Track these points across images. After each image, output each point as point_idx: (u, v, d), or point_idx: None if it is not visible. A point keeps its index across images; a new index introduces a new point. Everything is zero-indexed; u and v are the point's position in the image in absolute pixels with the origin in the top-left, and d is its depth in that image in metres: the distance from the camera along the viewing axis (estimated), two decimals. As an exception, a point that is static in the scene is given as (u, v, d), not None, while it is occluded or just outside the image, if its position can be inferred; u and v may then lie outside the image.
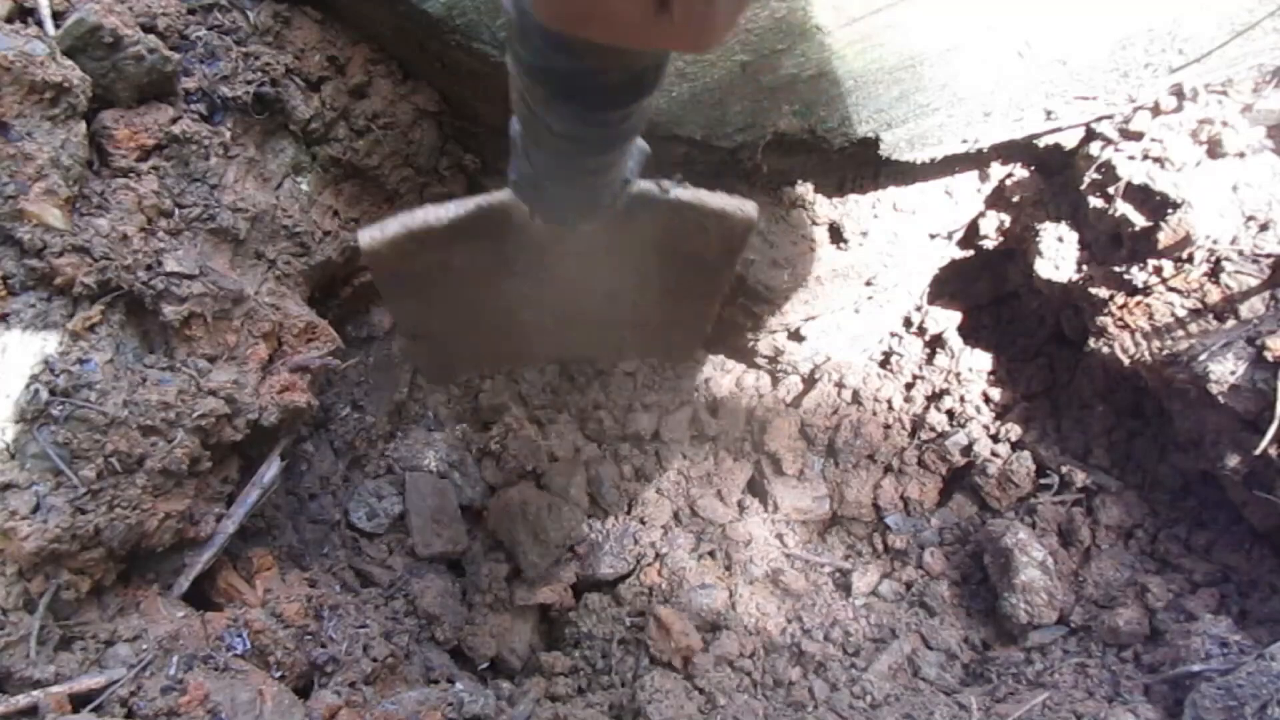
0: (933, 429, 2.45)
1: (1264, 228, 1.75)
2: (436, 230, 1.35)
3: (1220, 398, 1.76)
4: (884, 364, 2.62)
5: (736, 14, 0.72)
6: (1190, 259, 1.80)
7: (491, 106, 1.88)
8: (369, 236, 1.35)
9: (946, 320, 2.53)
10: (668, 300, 1.67)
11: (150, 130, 1.47)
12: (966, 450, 2.38)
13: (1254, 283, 1.79)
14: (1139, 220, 1.80)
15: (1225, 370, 1.75)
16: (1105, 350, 2.03)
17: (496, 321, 1.68)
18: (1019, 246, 2.19)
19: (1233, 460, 1.80)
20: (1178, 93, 1.82)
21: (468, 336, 1.71)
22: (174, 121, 1.50)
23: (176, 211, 1.49)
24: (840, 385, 2.55)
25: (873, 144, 1.78)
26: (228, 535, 1.56)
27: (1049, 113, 1.82)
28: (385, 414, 2.22)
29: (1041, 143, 1.93)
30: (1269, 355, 1.70)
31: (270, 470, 1.65)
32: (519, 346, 1.87)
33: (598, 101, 0.90)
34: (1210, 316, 1.86)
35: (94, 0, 1.43)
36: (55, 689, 1.23)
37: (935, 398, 2.50)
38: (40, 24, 1.42)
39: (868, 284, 2.29)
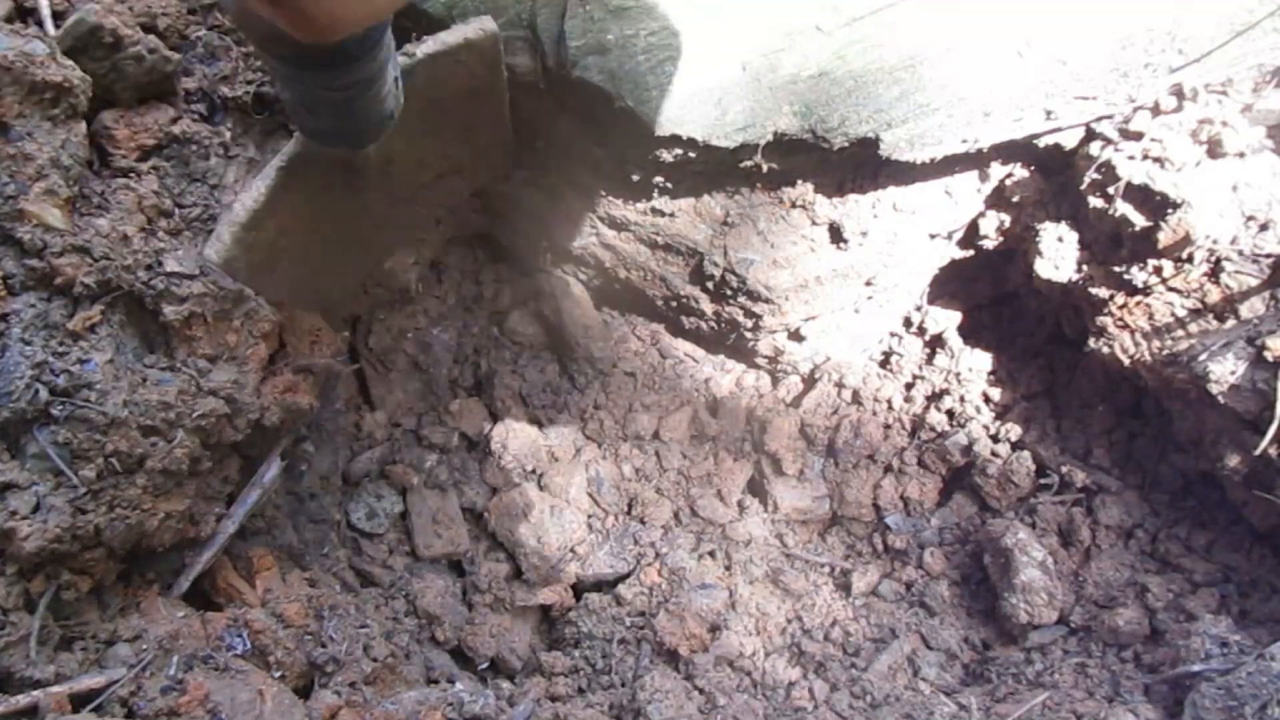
0: (933, 429, 2.45)
1: (1264, 228, 1.75)
2: (260, 210, 1.45)
3: (1220, 398, 1.76)
4: (884, 364, 2.62)
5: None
6: (1190, 259, 1.80)
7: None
8: (212, 250, 1.43)
9: (946, 320, 2.52)
10: (469, 135, 1.79)
11: (150, 130, 1.47)
12: (966, 450, 2.37)
13: (1254, 283, 1.79)
14: (1139, 220, 1.80)
15: (1225, 370, 1.76)
16: (1105, 350, 2.03)
17: (350, 239, 1.78)
18: (1019, 246, 2.19)
19: (1233, 460, 1.80)
20: (1178, 93, 1.82)
21: (334, 267, 1.82)
22: (174, 121, 1.50)
23: (176, 211, 1.49)
24: (840, 385, 2.55)
25: (873, 144, 1.78)
26: (228, 535, 1.56)
27: (1049, 113, 1.82)
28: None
29: (1041, 143, 1.93)
30: (1269, 355, 1.70)
31: (270, 470, 1.65)
32: (375, 248, 1.97)
33: (329, 69, 1.15)
34: (1210, 316, 1.86)
35: (94, 0, 1.42)
36: (55, 689, 1.23)
37: (935, 398, 2.50)
38: (40, 24, 1.42)
39: (868, 284, 2.28)
